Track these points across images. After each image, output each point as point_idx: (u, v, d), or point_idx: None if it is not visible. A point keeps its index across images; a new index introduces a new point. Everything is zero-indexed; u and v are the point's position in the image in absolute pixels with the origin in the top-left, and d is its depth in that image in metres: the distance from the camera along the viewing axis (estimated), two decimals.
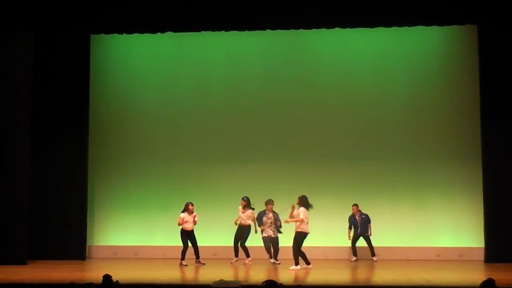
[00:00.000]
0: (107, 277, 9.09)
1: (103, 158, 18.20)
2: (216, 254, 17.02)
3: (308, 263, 15.01)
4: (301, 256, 14.91)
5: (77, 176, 17.53)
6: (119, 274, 13.59)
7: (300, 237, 14.91)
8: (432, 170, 17.44)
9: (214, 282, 11.80)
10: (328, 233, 17.15)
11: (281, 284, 8.88)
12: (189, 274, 14.36)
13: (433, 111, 17.58)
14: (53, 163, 17.48)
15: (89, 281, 10.70)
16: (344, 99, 17.83)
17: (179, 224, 15.95)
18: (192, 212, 16.08)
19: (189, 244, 16.04)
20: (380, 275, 14.08)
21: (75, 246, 17.30)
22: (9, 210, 15.87)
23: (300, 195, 15.17)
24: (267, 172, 17.76)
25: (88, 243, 17.74)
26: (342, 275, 14.11)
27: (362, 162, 17.60)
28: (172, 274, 14.07)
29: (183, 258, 15.94)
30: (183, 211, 16.05)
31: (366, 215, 16.75)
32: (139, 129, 18.28)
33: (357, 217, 16.72)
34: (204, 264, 15.82)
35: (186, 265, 15.67)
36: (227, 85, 18.23)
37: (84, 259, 17.23)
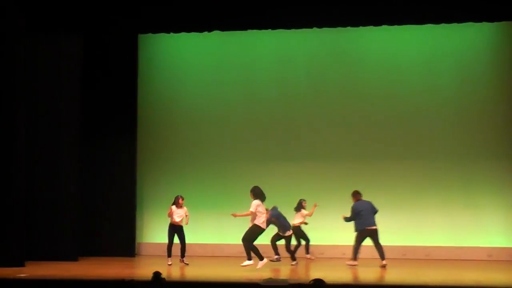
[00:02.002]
0: (157, 274, 9.13)
1: (152, 156, 18.33)
2: (264, 253, 16.97)
3: (261, 258, 14.20)
4: (253, 251, 14.19)
5: (126, 175, 17.70)
6: (167, 271, 13.73)
7: (255, 230, 14.25)
8: (483, 169, 17.17)
9: (263, 280, 11.78)
10: (381, 232, 17.02)
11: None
12: (239, 272, 14.35)
13: (483, 108, 17.31)
14: (102, 162, 17.68)
15: (138, 278, 10.83)
16: (392, 98, 17.66)
17: (168, 215, 15.70)
18: (182, 207, 15.76)
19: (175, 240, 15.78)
20: (430, 275, 13.92)
21: (124, 243, 17.46)
22: (61, 207, 16.09)
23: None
24: (316, 170, 17.67)
25: (137, 240, 17.89)
26: (390, 275, 13.98)
27: (413, 161, 17.40)
28: (220, 271, 14.10)
29: (169, 255, 15.57)
30: (172, 204, 15.79)
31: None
32: (187, 128, 18.36)
33: None
34: (188, 264, 15.44)
35: (170, 264, 15.34)
36: (274, 83, 18.19)
37: (134, 256, 17.39)
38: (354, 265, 14.87)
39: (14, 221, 14.66)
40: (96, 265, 15.26)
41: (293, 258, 15.68)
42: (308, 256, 16.42)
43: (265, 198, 14.39)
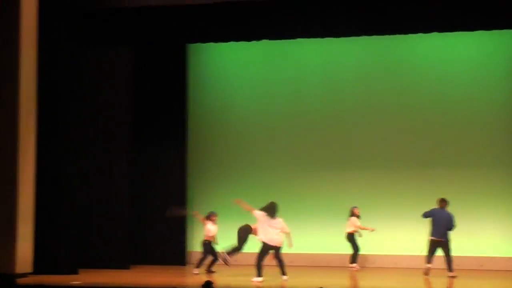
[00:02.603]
0: (208, 284, 9.15)
1: (202, 164, 18.41)
2: (316, 262, 16.95)
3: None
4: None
5: (177, 184, 17.80)
6: (218, 280, 13.75)
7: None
8: None
9: None
10: None
11: None
12: (291, 282, 14.31)
13: None
14: (153, 170, 17.82)
15: (189, 287, 10.88)
16: (441, 104, 17.43)
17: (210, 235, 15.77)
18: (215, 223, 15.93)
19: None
20: (484, 286, 13.72)
21: (175, 252, 17.55)
22: (112, 216, 16.28)
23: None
24: (365, 179, 17.55)
25: (188, 248, 17.98)
26: (441, 285, 13.80)
27: (463, 169, 17.14)
28: (269, 279, 14.06)
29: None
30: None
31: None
32: (236, 136, 18.40)
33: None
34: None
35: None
36: (323, 91, 18.11)
37: (184, 265, 17.47)
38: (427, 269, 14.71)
39: (67, 229, 14.86)
40: (147, 273, 15.38)
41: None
42: (353, 265, 16.25)
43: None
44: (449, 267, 14.78)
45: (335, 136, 17.92)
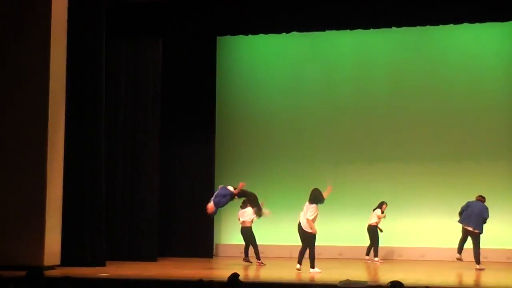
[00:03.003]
0: (234, 276, 9.16)
1: (229, 158, 18.46)
2: (342, 254, 16.94)
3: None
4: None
5: (204, 176, 17.86)
6: (245, 272, 13.80)
7: None
8: None
9: (341, 281, 11.73)
10: (457, 234, 16.75)
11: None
12: (313, 274, 14.32)
13: None
14: (180, 163, 17.90)
15: (217, 279, 10.90)
16: (473, 97, 17.34)
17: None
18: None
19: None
20: (510, 277, 13.63)
21: (202, 244, 17.64)
22: (140, 208, 16.38)
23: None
24: (393, 172, 17.50)
25: (215, 241, 18.04)
26: (470, 278, 13.72)
27: (492, 161, 17.03)
28: (298, 273, 14.07)
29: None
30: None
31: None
32: (265, 129, 18.43)
33: None
34: (265, 264, 15.48)
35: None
36: (352, 85, 18.09)
37: (212, 257, 17.55)
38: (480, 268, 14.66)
39: (96, 222, 14.97)
40: (174, 265, 15.45)
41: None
42: (367, 258, 16.20)
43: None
44: (477, 260, 14.68)
45: (362, 129, 17.91)
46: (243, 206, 15.83)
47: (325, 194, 14.18)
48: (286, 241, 17.64)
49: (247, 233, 15.77)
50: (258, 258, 15.58)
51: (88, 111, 15.17)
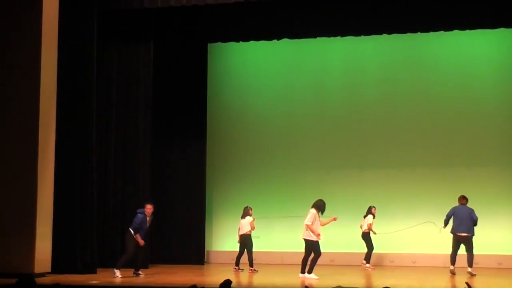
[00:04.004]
0: (227, 282, 9.13)
1: (221, 163, 18.45)
2: (334, 260, 16.93)
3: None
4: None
5: (196, 182, 17.85)
6: (237, 279, 13.77)
7: None
8: None
9: None
10: (449, 240, 16.78)
11: None
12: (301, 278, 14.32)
13: None
14: (171, 169, 17.87)
15: (208, 286, 10.88)
16: (464, 103, 17.38)
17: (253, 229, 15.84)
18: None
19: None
20: (502, 284, 13.65)
21: (194, 251, 17.62)
22: (131, 215, 16.24)
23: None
24: (384, 178, 17.52)
25: (207, 248, 18.00)
26: (461, 284, 13.71)
27: (483, 167, 17.08)
28: (289, 279, 14.06)
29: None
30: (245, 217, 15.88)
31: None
32: (256, 135, 18.43)
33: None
34: (257, 271, 15.45)
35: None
36: (343, 91, 18.13)
37: (203, 264, 17.51)
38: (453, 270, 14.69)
39: (87, 229, 14.90)
40: (165, 272, 15.40)
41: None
42: (364, 263, 16.21)
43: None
44: (470, 263, 14.72)
45: (353, 135, 17.93)
46: (243, 216, 15.78)
47: (326, 220, 14.25)
48: (277, 248, 17.66)
49: (248, 240, 15.73)
50: (251, 265, 15.55)
51: (79, 116, 15.10)
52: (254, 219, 15.75)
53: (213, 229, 18.24)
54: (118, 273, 14.08)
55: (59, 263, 14.45)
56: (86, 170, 15.04)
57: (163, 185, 17.67)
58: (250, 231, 15.78)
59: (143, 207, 14.77)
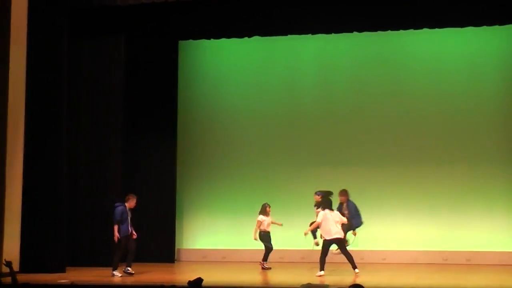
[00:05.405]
0: (198, 281, 9.10)
1: (191, 161, 18.38)
2: (305, 258, 16.94)
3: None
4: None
5: (166, 179, 17.76)
6: (207, 277, 13.69)
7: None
8: None
9: (302, 285, 11.73)
10: (418, 237, 16.93)
11: None
12: (275, 278, 14.33)
13: None
14: (142, 167, 17.77)
15: (179, 284, 10.83)
16: (434, 101, 17.45)
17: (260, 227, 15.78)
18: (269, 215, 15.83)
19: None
20: (471, 280, 13.77)
21: (164, 249, 17.51)
22: (101, 213, 16.18)
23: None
24: (355, 175, 17.55)
25: (177, 246, 17.94)
26: (431, 280, 13.84)
27: (453, 164, 17.20)
28: (260, 277, 14.07)
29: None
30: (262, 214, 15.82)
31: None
32: (227, 133, 18.38)
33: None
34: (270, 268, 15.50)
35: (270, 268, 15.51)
36: (315, 88, 18.10)
37: (173, 262, 17.44)
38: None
39: (56, 227, 14.79)
40: (136, 270, 15.23)
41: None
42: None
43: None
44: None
45: (326, 132, 17.91)
46: (266, 214, 15.71)
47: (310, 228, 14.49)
48: (248, 245, 17.62)
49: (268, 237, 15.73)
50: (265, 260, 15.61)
51: (48, 115, 14.98)
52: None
53: (184, 226, 18.17)
54: (116, 272, 14.02)
55: (28, 263, 14.33)
56: (56, 168, 14.93)
57: (133, 183, 17.49)
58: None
59: (125, 200, 14.55)
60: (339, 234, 14.11)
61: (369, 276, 13.99)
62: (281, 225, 15.74)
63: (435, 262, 16.60)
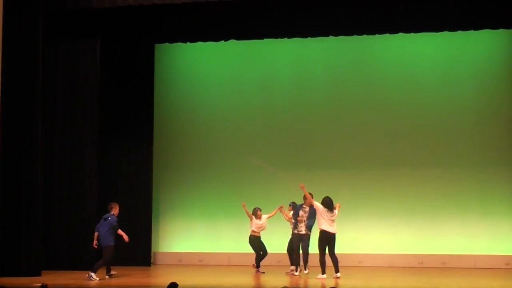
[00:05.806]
0: (173, 285, 9.09)
1: (168, 164, 18.36)
2: (281, 261, 16.94)
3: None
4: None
5: (142, 183, 17.71)
6: (184, 280, 13.69)
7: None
8: (499, 176, 17.05)
9: None
10: (393, 240, 17.02)
11: None
12: (253, 281, 14.34)
13: (499, 116, 17.21)
14: (117, 170, 17.70)
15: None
16: (409, 106, 17.59)
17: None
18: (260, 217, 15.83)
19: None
20: (446, 283, 13.86)
21: (140, 252, 17.44)
22: (77, 216, 16.12)
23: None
24: (330, 178, 17.62)
25: (153, 249, 17.89)
26: (406, 283, 13.92)
27: (429, 168, 17.32)
28: (236, 280, 14.08)
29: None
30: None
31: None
32: (203, 136, 18.38)
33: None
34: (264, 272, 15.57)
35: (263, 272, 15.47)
36: (291, 91, 18.18)
37: (149, 265, 17.39)
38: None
39: (32, 230, 14.71)
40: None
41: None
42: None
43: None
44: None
45: (301, 136, 17.98)
46: (258, 217, 15.68)
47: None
48: (225, 249, 17.64)
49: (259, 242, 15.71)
50: (258, 265, 15.59)
51: (23, 116, 14.89)
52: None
53: (160, 230, 18.12)
54: (94, 275, 14.04)
55: (3, 266, 14.23)
56: (31, 171, 14.85)
57: (109, 186, 17.46)
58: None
59: (109, 208, 14.73)
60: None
61: (345, 279, 14.04)
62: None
63: (411, 266, 16.71)
